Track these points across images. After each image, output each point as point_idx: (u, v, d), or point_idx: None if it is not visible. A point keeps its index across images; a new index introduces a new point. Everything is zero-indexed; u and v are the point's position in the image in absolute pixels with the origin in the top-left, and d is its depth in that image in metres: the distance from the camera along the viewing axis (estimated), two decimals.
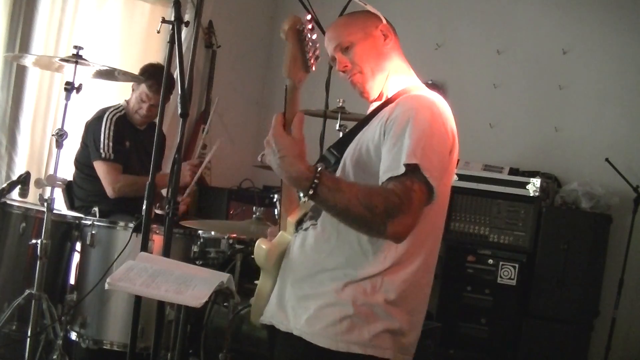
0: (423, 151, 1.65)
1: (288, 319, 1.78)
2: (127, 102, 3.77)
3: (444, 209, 1.84)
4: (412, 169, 1.63)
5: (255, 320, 1.92)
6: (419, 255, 1.77)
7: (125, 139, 3.68)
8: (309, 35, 1.59)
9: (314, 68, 1.64)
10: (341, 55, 1.90)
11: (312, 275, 1.77)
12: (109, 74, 3.24)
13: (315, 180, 1.59)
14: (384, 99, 1.91)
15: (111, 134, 3.60)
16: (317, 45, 1.63)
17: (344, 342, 1.70)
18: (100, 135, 3.59)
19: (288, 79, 1.64)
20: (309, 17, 1.60)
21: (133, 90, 3.75)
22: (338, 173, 1.82)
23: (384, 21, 1.93)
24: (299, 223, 1.87)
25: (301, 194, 1.79)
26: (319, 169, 1.61)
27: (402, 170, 1.62)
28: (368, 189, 1.63)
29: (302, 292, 1.77)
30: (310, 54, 1.61)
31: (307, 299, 1.76)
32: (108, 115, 3.64)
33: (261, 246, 1.87)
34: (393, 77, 1.91)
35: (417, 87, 1.92)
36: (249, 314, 1.96)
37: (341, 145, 1.87)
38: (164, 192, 2.76)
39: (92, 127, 3.65)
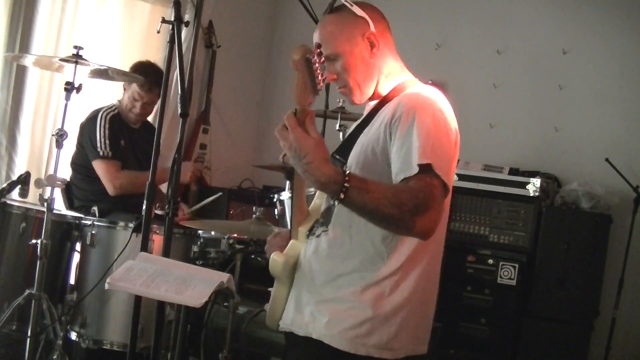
0: (433, 150, 1.66)
1: (306, 323, 1.80)
2: (120, 101, 3.77)
3: (447, 201, 1.85)
4: (425, 168, 1.64)
5: (271, 325, 1.95)
6: (429, 250, 1.80)
7: (120, 138, 3.67)
8: (318, 61, 1.60)
9: (321, 89, 1.65)
10: (329, 64, 1.86)
11: (329, 281, 1.79)
12: (105, 73, 3.23)
13: (346, 184, 1.57)
14: (379, 98, 1.90)
15: (107, 132, 3.60)
16: (325, 68, 1.63)
17: (363, 346, 1.73)
18: (96, 134, 3.58)
19: (298, 105, 1.63)
20: (315, 44, 1.63)
21: (125, 89, 3.75)
22: None
23: (372, 26, 1.87)
24: (311, 231, 1.89)
25: (313, 191, 1.78)
26: (347, 171, 1.61)
27: (416, 169, 1.64)
28: (395, 187, 1.65)
29: (320, 297, 1.79)
30: (319, 78, 1.62)
31: (326, 303, 1.78)
32: (102, 115, 3.64)
33: (276, 259, 1.89)
34: (384, 80, 1.91)
35: (412, 82, 1.91)
36: (261, 315, 1.99)
37: (344, 149, 1.87)
38: (163, 188, 2.76)
39: (87, 128, 3.64)
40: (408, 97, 1.80)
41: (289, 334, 1.87)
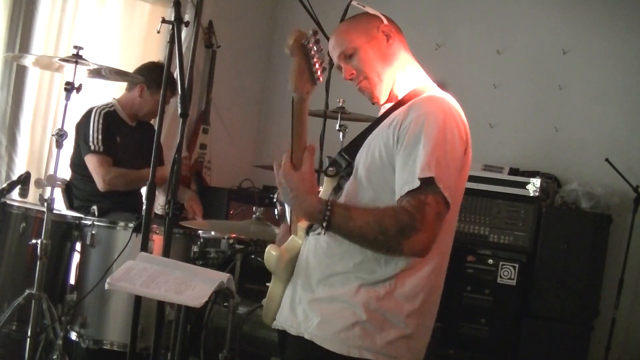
0: (437, 161, 1.65)
1: (299, 322, 1.78)
2: (118, 100, 3.76)
3: (456, 212, 1.83)
4: (427, 182, 1.63)
5: (266, 321, 1.95)
6: (431, 259, 1.77)
7: (115, 135, 3.66)
8: (315, 48, 1.58)
9: (321, 79, 1.64)
10: (346, 63, 1.88)
11: (324, 279, 1.78)
12: (101, 73, 3.22)
13: (327, 213, 1.67)
14: (394, 101, 1.90)
15: (100, 127, 3.58)
16: (324, 56, 1.62)
17: (356, 348, 1.71)
18: (89, 129, 3.57)
19: (295, 93, 1.62)
20: (312, 30, 1.58)
21: (142, 92, 3.71)
22: (351, 179, 1.81)
23: (385, 21, 1.90)
24: (310, 227, 1.87)
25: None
26: (329, 200, 1.69)
27: (417, 184, 1.64)
28: (379, 211, 1.67)
29: (314, 296, 1.78)
30: (317, 66, 1.60)
31: (319, 302, 1.76)
32: (96, 111, 3.63)
33: (271, 252, 1.89)
34: (401, 76, 1.90)
35: (427, 87, 1.91)
36: (260, 315, 1.98)
37: (352, 148, 1.86)
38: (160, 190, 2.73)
39: (82, 126, 3.63)
40: (419, 103, 1.79)
41: (282, 332, 1.86)
